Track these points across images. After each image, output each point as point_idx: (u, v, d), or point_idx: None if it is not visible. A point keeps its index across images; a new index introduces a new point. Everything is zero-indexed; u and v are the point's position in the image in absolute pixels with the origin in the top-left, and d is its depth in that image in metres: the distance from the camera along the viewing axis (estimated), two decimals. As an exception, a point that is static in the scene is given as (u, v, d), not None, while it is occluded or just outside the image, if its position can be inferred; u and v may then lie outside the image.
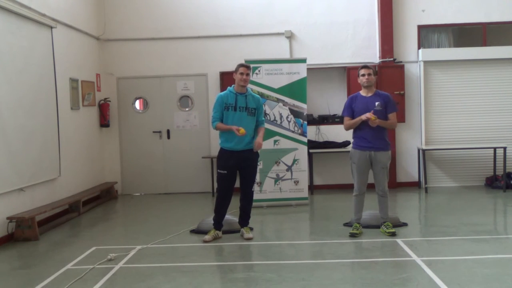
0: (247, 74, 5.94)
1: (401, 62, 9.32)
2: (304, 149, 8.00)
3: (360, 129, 5.94)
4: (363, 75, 5.89)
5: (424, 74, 9.24)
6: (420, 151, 9.18)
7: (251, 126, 5.95)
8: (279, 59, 8.21)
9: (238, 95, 5.94)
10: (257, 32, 9.40)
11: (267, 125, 7.80)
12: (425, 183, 9.04)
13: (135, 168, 9.66)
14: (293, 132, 7.92)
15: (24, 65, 6.66)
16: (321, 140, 9.35)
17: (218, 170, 6.01)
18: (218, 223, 6.07)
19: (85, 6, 8.91)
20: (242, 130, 5.74)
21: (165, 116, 9.61)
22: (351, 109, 5.98)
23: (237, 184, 6.07)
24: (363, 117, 5.79)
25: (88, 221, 7.45)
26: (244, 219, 6.15)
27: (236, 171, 6.02)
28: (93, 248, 5.75)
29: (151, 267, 5.01)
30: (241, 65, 6.01)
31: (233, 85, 6.06)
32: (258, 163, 7.75)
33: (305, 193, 8.02)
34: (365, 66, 5.97)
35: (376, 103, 5.88)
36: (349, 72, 9.16)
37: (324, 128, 9.40)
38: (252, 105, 5.96)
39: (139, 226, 6.97)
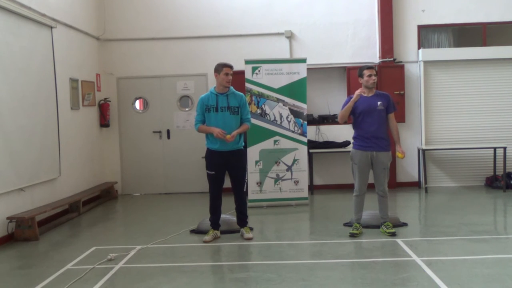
0: (232, 74, 5.90)
1: (401, 62, 9.32)
2: (304, 149, 8.00)
3: (361, 129, 5.93)
4: (370, 75, 5.88)
5: (424, 74, 9.24)
6: (420, 151, 9.18)
7: (234, 125, 5.89)
8: (279, 59, 8.21)
9: (219, 95, 5.89)
10: (257, 32, 9.40)
11: (267, 125, 7.85)
12: (425, 183, 9.04)
13: (135, 168, 9.66)
14: (293, 132, 7.92)
15: (24, 65, 6.66)
16: (321, 140, 9.36)
17: (207, 171, 6.02)
18: (215, 223, 6.08)
19: (85, 6, 8.91)
20: (229, 136, 5.72)
21: (165, 116, 9.61)
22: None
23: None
24: (356, 94, 5.83)
25: (88, 221, 7.45)
26: (241, 220, 6.16)
27: (224, 171, 6.02)
28: (93, 248, 5.75)
29: (151, 267, 5.01)
30: (225, 65, 5.86)
31: (214, 86, 6.00)
32: (258, 163, 7.87)
33: (305, 193, 8.02)
34: (369, 67, 5.96)
35: (379, 103, 5.89)
36: (349, 72, 9.16)
37: (324, 128, 9.41)
38: (234, 103, 5.90)
39: (139, 226, 6.97)
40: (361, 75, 5.98)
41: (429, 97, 9.31)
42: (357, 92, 5.88)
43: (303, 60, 8.04)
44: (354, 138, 6.05)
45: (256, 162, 7.87)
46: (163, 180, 9.66)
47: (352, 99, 5.87)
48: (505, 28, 9.46)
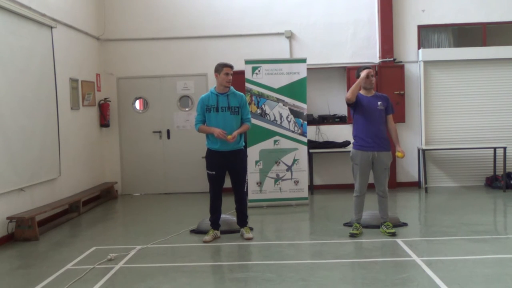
0: (232, 74, 5.90)
1: (401, 62, 9.32)
2: (304, 149, 8.00)
3: (362, 128, 5.92)
4: (367, 77, 5.88)
5: (424, 74, 9.24)
6: (420, 151, 9.18)
7: (235, 125, 5.89)
8: (279, 59, 8.21)
9: (220, 95, 5.88)
10: (257, 32, 9.40)
11: (267, 125, 7.85)
12: (425, 183, 9.04)
13: (135, 168, 9.66)
14: (293, 132, 7.92)
15: (24, 65, 6.66)
16: (321, 140, 9.36)
17: (207, 171, 6.02)
18: (215, 223, 6.08)
19: (85, 6, 8.91)
20: (230, 136, 5.71)
21: (165, 116, 9.61)
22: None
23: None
24: (363, 75, 5.81)
25: (88, 221, 7.45)
26: (241, 220, 6.16)
27: (224, 172, 6.01)
28: (93, 248, 5.75)
29: (151, 267, 5.01)
30: (225, 65, 5.84)
31: (214, 86, 5.99)
32: (258, 163, 7.87)
33: (305, 193, 8.02)
34: (367, 67, 5.96)
35: (379, 103, 5.91)
36: (349, 72, 9.16)
37: (324, 128, 9.41)
38: (234, 103, 5.89)
39: (139, 226, 6.97)
40: (359, 76, 5.98)
41: (429, 97, 9.31)
42: (365, 72, 5.86)
43: (303, 60, 8.04)
44: (354, 137, 6.03)
45: (256, 162, 7.87)
46: (163, 180, 9.66)
47: (362, 75, 5.84)
48: (505, 28, 9.45)
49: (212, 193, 6.03)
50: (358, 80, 5.87)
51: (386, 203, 6.05)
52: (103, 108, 9.30)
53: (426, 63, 9.24)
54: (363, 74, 5.87)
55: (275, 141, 7.90)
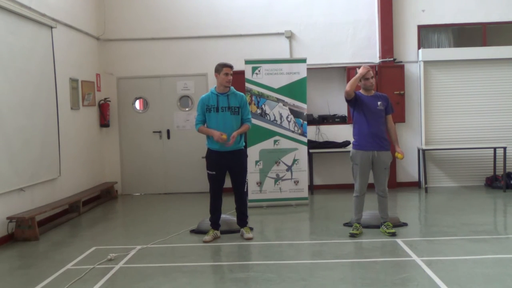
0: (232, 74, 5.90)
1: (401, 62, 9.32)
2: (304, 149, 8.00)
3: (362, 128, 5.91)
4: (367, 79, 5.89)
5: (424, 74, 9.24)
6: (420, 151, 9.18)
7: (235, 125, 5.89)
8: (279, 59, 8.21)
9: (220, 95, 5.88)
10: (257, 32, 9.40)
11: (267, 125, 7.85)
12: (425, 183, 9.04)
13: (135, 168, 9.66)
14: (293, 132, 7.92)
15: (24, 65, 6.66)
16: (321, 140, 9.36)
17: (207, 171, 6.02)
18: (215, 223, 6.08)
19: (85, 6, 8.91)
20: (224, 136, 5.70)
21: (165, 116, 9.61)
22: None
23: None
24: (362, 71, 5.83)
25: (88, 221, 7.45)
26: (241, 220, 6.15)
27: (225, 171, 6.01)
28: (93, 248, 5.75)
29: (151, 267, 5.01)
30: (225, 65, 5.84)
31: (214, 86, 5.99)
32: (258, 163, 7.87)
33: (305, 193, 8.02)
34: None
35: (379, 103, 5.91)
36: (349, 72, 9.16)
37: (324, 128, 9.41)
38: (235, 103, 5.89)
39: (139, 226, 6.97)
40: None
41: (429, 97, 9.31)
42: (365, 69, 5.85)
43: (303, 60, 8.04)
44: (354, 136, 6.03)
45: (256, 162, 7.87)
46: (163, 180, 9.67)
47: (362, 71, 5.83)
48: (505, 28, 9.46)
49: (212, 193, 6.03)
50: (357, 75, 5.87)
51: (386, 203, 6.05)
52: (103, 108, 9.31)
53: (426, 63, 9.24)
54: (362, 70, 5.86)
55: (275, 141, 7.90)
